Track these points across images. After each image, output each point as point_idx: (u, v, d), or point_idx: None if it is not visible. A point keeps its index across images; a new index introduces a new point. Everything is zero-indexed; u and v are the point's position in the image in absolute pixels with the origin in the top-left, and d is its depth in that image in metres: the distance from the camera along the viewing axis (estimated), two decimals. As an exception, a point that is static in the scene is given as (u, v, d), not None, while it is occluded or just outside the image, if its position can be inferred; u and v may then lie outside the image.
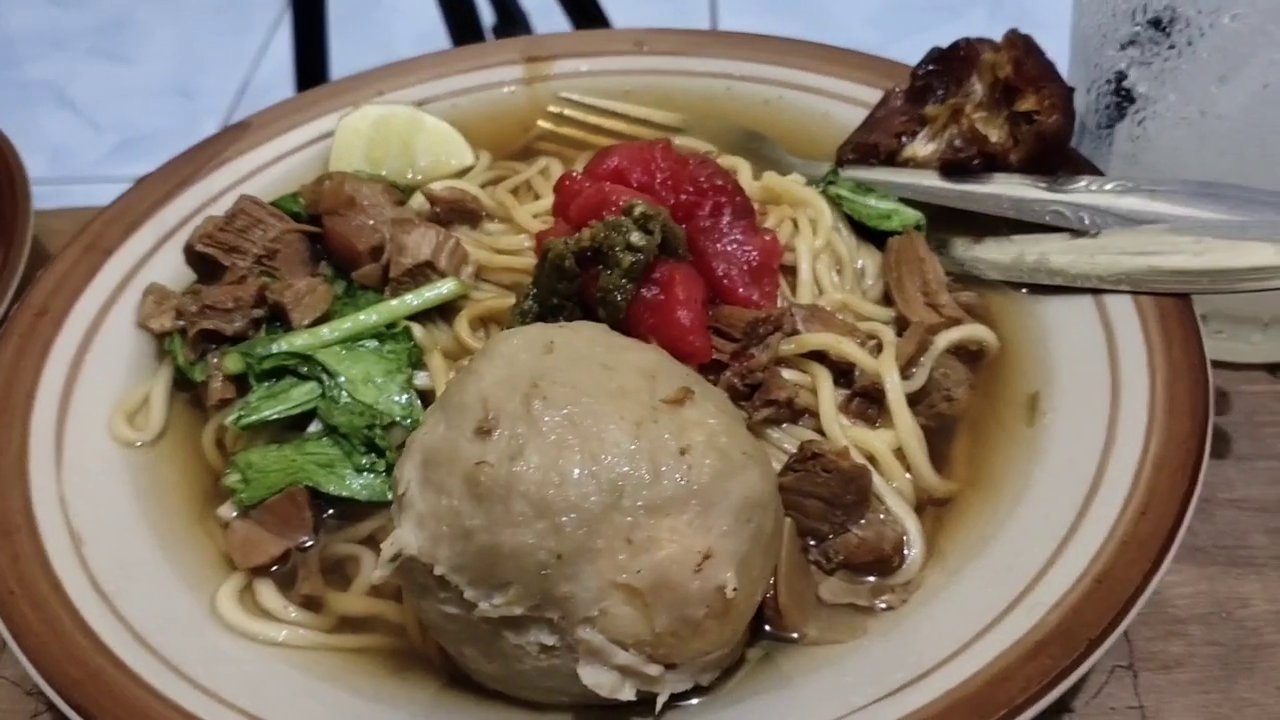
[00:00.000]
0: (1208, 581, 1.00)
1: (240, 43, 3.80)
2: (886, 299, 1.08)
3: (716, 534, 0.75)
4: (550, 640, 0.76)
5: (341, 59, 2.51)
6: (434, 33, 2.50)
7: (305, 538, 0.94)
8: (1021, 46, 1.15)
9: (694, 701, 0.82)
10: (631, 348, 0.84)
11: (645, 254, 0.95)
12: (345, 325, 1.02)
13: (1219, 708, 0.92)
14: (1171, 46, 1.02)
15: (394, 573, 0.79)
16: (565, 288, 0.97)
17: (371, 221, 1.09)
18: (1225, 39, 1.00)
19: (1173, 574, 1.01)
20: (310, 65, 2.51)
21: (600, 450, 0.75)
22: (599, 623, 0.75)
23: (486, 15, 2.68)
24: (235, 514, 0.95)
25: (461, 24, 2.54)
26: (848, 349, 0.97)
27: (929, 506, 0.94)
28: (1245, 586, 1.00)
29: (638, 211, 0.95)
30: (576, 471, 0.74)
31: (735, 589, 0.75)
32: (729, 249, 1.02)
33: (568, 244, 0.96)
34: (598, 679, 0.76)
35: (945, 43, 1.20)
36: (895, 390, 0.95)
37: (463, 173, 1.27)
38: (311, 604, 0.91)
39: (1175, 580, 1.01)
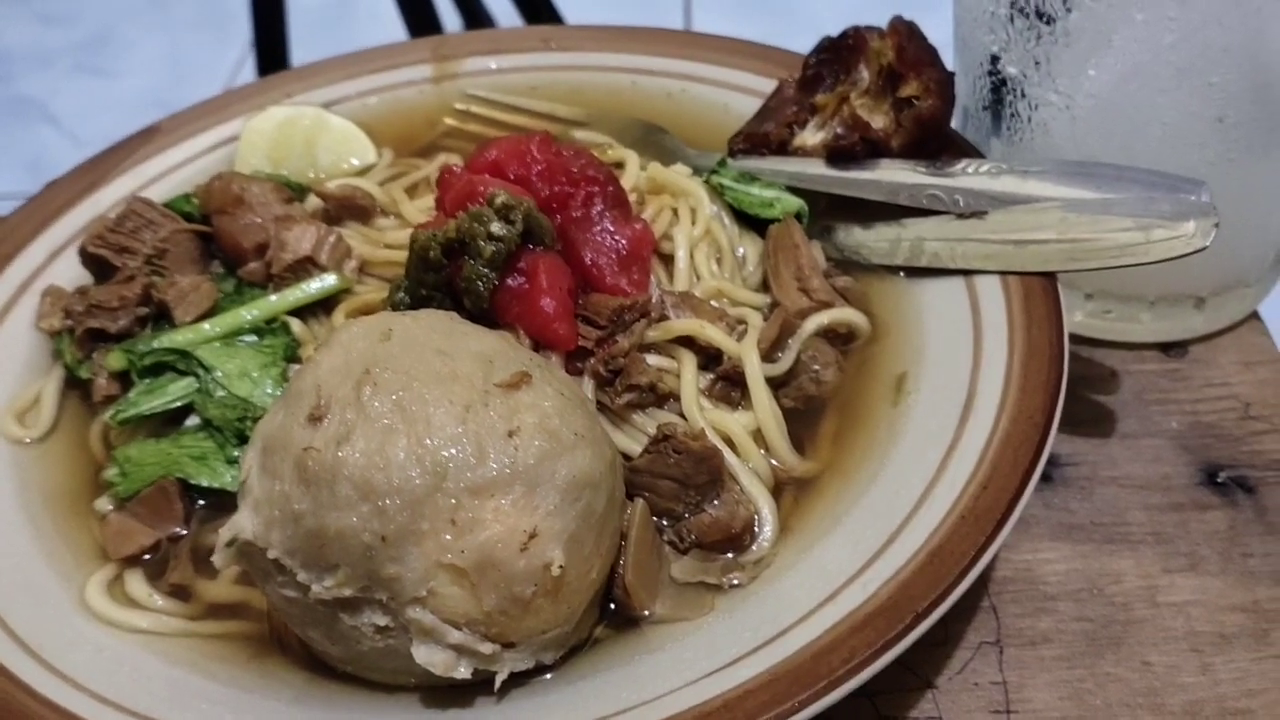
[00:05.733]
0: (1081, 559, 1.01)
1: (218, 56, 3.85)
2: (767, 285, 1.10)
3: (542, 513, 0.77)
4: (383, 621, 0.78)
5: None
6: (400, 40, 2.52)
7: (177, 528, 0.96)
8: (904, 33, 1.16)
9: (538, 680, 0.83)
10: (472, 334, 0.85)
11: (506, 243, 0.96)
12: (225, 321, 1.04)
13: (1082, 683, 0.92)
14: (1031, 29, 1.03)
15: (235, 558, 0.80)
16: (433, 278, 0.98)
17: (259, 220, 1.11)
18: (1088, 21, 1.01)
19: (1047, 551, 1.02)
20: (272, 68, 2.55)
21: (426, 434, 0.76)
22: (428, 603, 0.76)
23: (454, 21, 2.70)
24: (111, 506, 0.98)
25: (424, 31, 2.56)
26: (711, 333, 0.98)
27: (789, 486, 0.95)
28: (1119, 563, 1.00)
29: (499, 202, 0.97)
30: (401, 455, 0.76)
31: (562, 566, 0.77)
32: (599, 238, 1.03)
33: (434, 235, 0.98)
34: (431, 658, 0.77)
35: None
36: (754, 372, 0.96)
37: (364, 171, 1.28)
38: (180, 592, 0.92)
39: (1050, 557, 1.01)
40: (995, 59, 1.11)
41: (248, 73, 3.73)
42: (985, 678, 0.93)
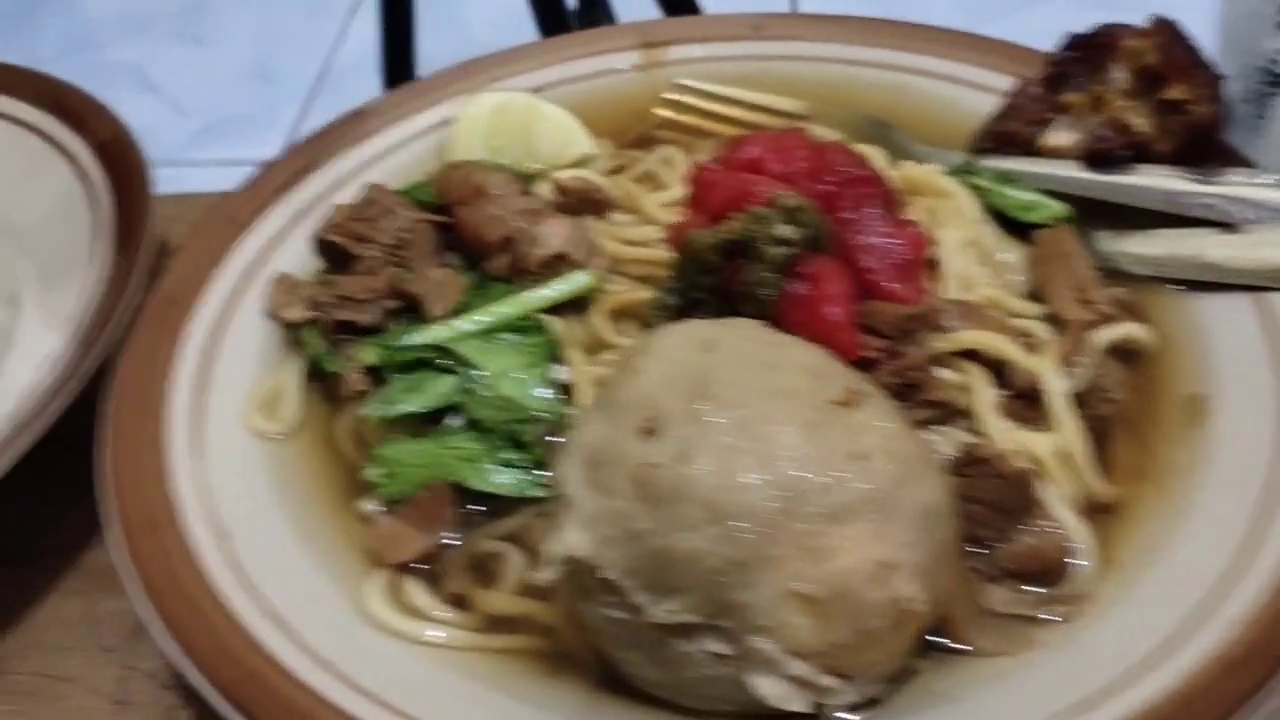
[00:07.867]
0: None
1: (318, 27, 3.81)
2: (1031, 294, 1.05)
3: (898, 543, 0.73)
4: (722, 649, 0.74)
5: (418, 43, 2.50)
6: (513, 15, 2.48)
7: (450, 534, 0.93)
8: (1168, 33, 1.10)
9: (865, 713, 0.79)
10: (792, 345, 0.81)
11: (794, 247, 0.92)
12: (483, 318, 1.00)
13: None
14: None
15: (558, 574, 0.77)
16: (706, 281, 0.95)
17: (501, 212, 1.07)
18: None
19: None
20: (397, 51, 2.50)
21: (773, 454, 0.72)
22: (773, 632, 0.72)
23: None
24: (377, 508, 0.94)
25: (544, 6, 2.51)
26: (1005, 347, 0.94)
27: (1094, 513, 0.90)
28: None
29: (789, 204, 0.93)
30: (750, 475, 0.72)
31: (918, 601, 0.73)
32: (874, 241, 0.99)
33: (713, 236, 0.94)
34: (770, 690, 0.73)
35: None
36: (1058, 391, 0.92)
37: (583, 161, 1.24)
38: (459, 602, 0.89)
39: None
40: (1274, 62, 1.06)
41: (351, 42, 3.70)
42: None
